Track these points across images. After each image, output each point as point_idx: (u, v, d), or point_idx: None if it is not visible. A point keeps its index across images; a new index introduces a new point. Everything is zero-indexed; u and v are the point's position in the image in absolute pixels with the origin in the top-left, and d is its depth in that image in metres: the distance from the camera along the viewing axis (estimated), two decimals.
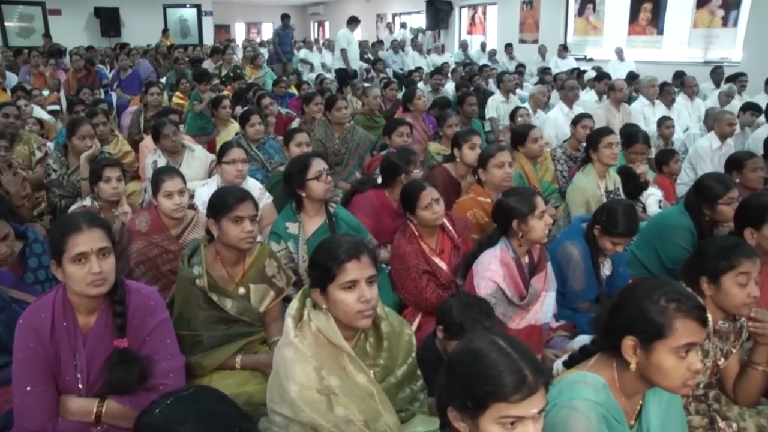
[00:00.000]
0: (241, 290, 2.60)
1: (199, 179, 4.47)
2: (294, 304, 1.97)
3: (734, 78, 8.37)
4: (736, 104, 7.30)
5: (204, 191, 3.79)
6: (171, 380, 2.09)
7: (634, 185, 4.37)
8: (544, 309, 2.86)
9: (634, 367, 1.61)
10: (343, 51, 10.87)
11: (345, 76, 10.50)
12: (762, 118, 6.37)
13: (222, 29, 23.33)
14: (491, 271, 2.74)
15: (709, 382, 2.31)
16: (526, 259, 2.86)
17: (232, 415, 1.16)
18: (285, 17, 12.10)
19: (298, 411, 1.84)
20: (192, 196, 3.79)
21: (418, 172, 3.76)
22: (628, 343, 1.61)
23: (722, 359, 2.27)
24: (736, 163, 4.02)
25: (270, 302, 2.65)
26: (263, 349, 2.62)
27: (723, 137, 5.42)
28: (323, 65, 13.03)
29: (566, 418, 1.58)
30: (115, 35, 17.21)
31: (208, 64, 10.56)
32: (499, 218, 2.83)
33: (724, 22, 10.80)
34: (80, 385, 2.03)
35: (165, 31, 16.53)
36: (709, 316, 2.15)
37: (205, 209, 3.31)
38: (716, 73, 9.16)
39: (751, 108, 6.35)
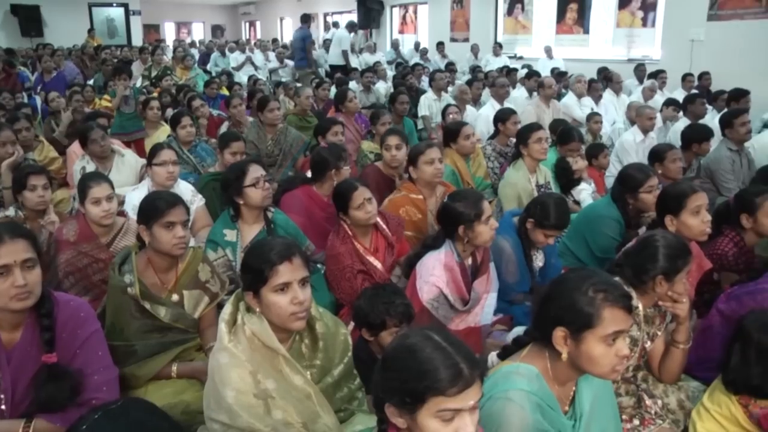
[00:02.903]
0: (175, 297, 2.54)
1: (130, 185, 4.35)
2: (227, 309, 1.95)
3: (655, 74, 8.80)
4: (658, 99, 7.67)
5: (134, 196, 3.69)
6: (104, 393, 2.03)
7: (567, 179, 4.52)
8: (486, 311, 2.91)
9: (565, 357, 1.66)
10: (345, 52, 11.81)
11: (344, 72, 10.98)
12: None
13: (151, 29, 22.78)
14: (435, 276, 2.76)
15: (638, 365, 2.41)
16: (469, 261, 2.90)
17: (163, 426, 1.15)
18: (307, 18, 11.61)
19: (236, 417, 1.83)
20: (122, 202, 3.69)
21: (347, 169, 3.77)
22: (559, 333, 1.65)
23: (649, 342, 2.37)
24: (657, 155, 4.20)
25: (204, 308, 2.60)
26: (199, 356, 2.58)
27: (645, 131, 5.66)
28: (255, 66, 12.86)
29: (502, 409, 1.62)
30: (36, 35, 16.51)
31: (137, 66, 10.28)
32: (445, 222, 2.84)
33: (644, 22, 11.28)
34: (3, 406, 1.94)
35: (90, 30, 15.97)
36: (639, 305, 2.26)
37: (136, 215, 3.24)
38: (639, 70, 9.59)
39: (673, 104, 6.65)
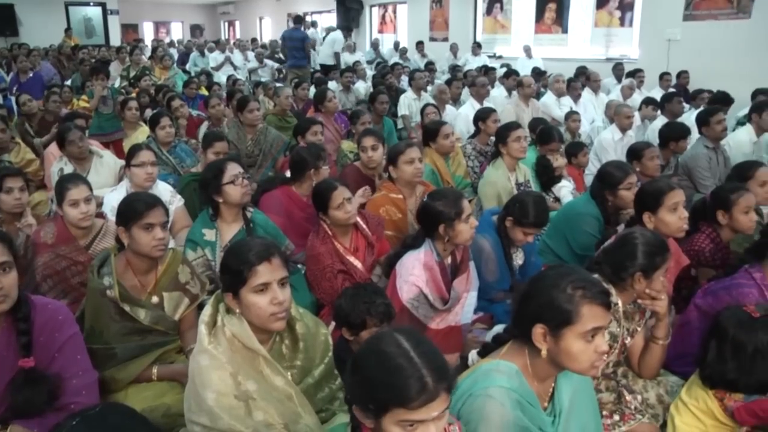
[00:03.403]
0: (155, 299, 2.53)
1: (109, 186, 4.31)
2: (207, 310, 1.94)
3: (633, 73, 8.91)
4: (636, 98, 7.76)
5: (113, 197, 3.66)
6: (83, 398, 2.01)
7: (548, 176, 4.57)
8: (465, 310, 2.91)
9: (545, 354, 1.67)
10: (337, 54, 12.38)
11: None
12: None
13: (129, 29, 22.60)
14: (414, 276, 2.76)
15: (618, 361, 2.43)
16: (449, 260, 2.91)
17: (142, 431, 1.13)
18: (301, 19, 11.98)
19: (217, 419, 1.82)
20: (100, 204, 3.66)
21: (327, 169, 3.77)
22: (539, 330, 1.66)
23: (628, 338, 2.39)
24: (635, 152, 4.26)
25: (185, 310, 2.59)
26: (180, 359, 2.57)
27: (623, 129, 5.72)
28: (235, 66, 12.79)
29: (482, 406, 1.63)
30: (11, 34, 16.28)
31: (115, 66, 10.18)
32: (425, 221, 2.84)
33: (622, 22, 11.41)
34: None
35: (67, 30, 15.77)
36: (619, 301, 2.28)
37: (115, 216, 3.22)
38: (617, 69, 9.71)
39: (651, 102, 6.74)
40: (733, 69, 8.61)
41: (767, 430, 2.18)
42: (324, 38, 14.12)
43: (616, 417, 2.32)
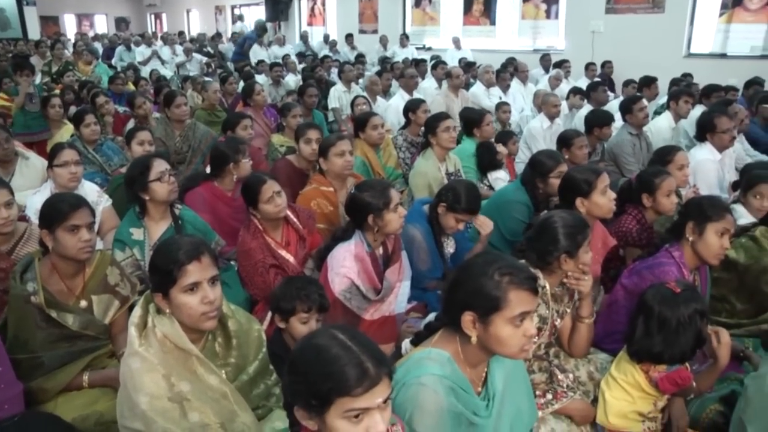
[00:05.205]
0: (83, 303, 2.45)
1: (36, 188, 4.13)
2: (137, 312, 1.90)
3: (560, 64, 9.18)
4: (564, 87, 7.99)
5: (36, 199, 3.51)
6: (6, 412, 1.93)
7: (489, 160, 4.67)
8: (399, 299, 2.94)
9: (475, 340, 1.70)
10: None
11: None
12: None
13: (49, 22, 21.59)
14: (345, 268, 2.77)
15: (549, 342, 2.51)
16: (380, 251, 2.92)
17: None
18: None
19: (151, 423, 1.78)
20: (24, 207, 3.51)
21: (247, 162, 3.73)
22: (468, 318, 1.69)
23: (558, 320, 2.47)
24: (565, 141, 4.37)
25: (115, 313, 2.52)
26: (112, 363, 2.50)
27: (551, 118, 5.90)
28: (162, 61, 12.44)
29: (415, 395, 1.65)
30: None
31: (35, 61, 9.77)
32: (354, 212, 2.85)
33: (548, 14, 11.73)
34: None
35: None
36: (546, 284, 2.35)
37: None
38: (544, 60, 10.02)
39: (579, 92, 6.95)
40: (651, 60, 8.98)
41: (685, 397, 2.35)
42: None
43: (549, 396, 2.38)
